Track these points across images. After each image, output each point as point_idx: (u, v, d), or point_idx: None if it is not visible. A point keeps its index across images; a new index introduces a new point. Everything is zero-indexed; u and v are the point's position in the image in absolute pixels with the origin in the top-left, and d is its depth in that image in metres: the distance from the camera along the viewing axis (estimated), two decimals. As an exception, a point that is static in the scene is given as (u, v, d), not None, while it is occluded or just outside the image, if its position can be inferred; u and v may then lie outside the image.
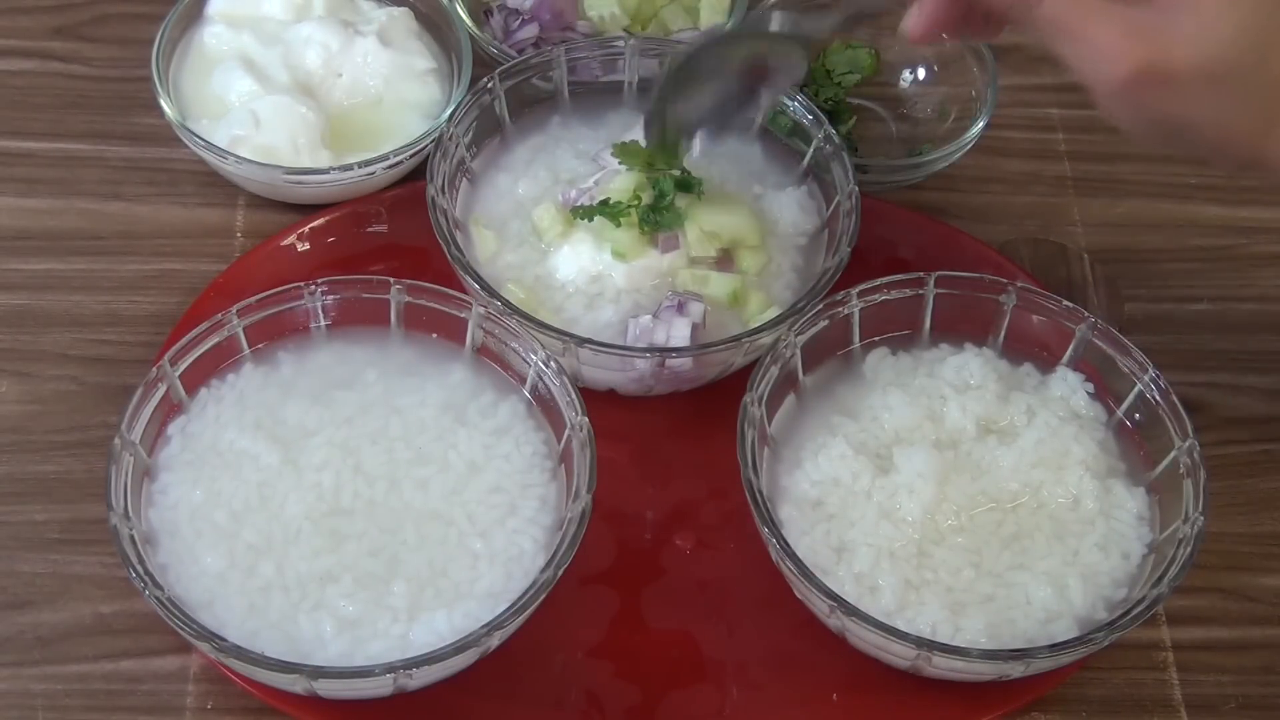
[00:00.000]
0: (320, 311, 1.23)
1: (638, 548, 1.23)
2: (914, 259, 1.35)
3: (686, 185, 1.28)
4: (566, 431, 1.17)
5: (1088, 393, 1.23)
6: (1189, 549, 1.12)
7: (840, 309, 1.24)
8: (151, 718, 1.15)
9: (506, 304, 1.22)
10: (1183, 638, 1.22)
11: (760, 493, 1.13)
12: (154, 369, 1.17)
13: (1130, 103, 1.03)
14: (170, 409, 1.18)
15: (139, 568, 1.08)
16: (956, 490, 1.16)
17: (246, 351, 1.22)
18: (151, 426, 1.16)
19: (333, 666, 1.07)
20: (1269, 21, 1.01)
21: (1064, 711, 1.18)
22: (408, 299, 1.23)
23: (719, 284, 1.27)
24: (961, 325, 1.26)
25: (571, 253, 1.28)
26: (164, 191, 1.41)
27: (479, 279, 1.24)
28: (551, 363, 1.19)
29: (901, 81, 1.50)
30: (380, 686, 1.07)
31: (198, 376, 1.19)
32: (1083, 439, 1.19)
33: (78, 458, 1.25)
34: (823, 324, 1.23)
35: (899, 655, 1.11)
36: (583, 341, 1.21)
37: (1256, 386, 1.36)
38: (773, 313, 1.26)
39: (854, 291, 1.24)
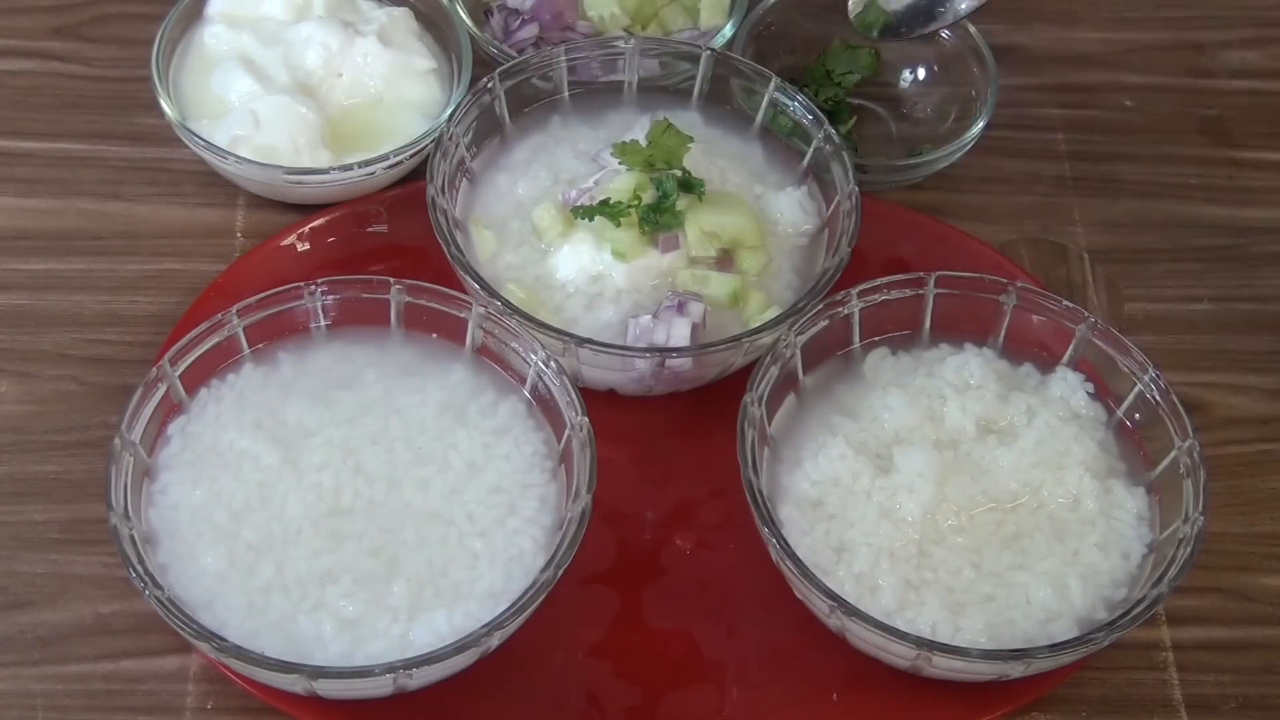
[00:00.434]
0: (320, 311, 1.23)
1: (638, 548, 1.23)
2: (914, 259, 1.35)
3: (688, 185, 1.28)
4: (566, 431, 1.17)
5: (1088, 393, 1.23)
6: (1189, 549, 1.12)
7: (840, 309, 1.24)
8: (151, 718, 1.15)
9: (506, 304, 1.22)
10: (1183, 638, 1.22)
11: (760, 493, 1.13)
12: (154, 369, 1.17)
13: None
14: (170, 409, 1.18)
15: (139, 568, 1.08)
16: (956, 490, 1.16)
17: (246, 351, 1.22)
18: (151, 426, 1.16)
19: (333, 666, 1.07)
20: None
21: (1064, 711, 1.18)
22: (408, 299, 1.23)
23: (719, 284, 1.27)
24: (961, 325, 1.26)
25: (571, 253, 1.28)
26: (164, 191, 1.41)
27: (479, 279, 1.24)
28: (551, 363, 1.19)
29: (901, 81, 1.50)
30: (380, 686, 1.07)
31: (198, 376, 1.19)
32: (1083, 439, 1.19)
33: (78, 458, 1.25)
34: (823, 324, 1.23)
35: (899, 655, 1.11)
36: (583, 341, 1.21)
37: (1256, 386, 1.36)
38: (773, 313, 1.26)
39: (854, 291, 1.24)
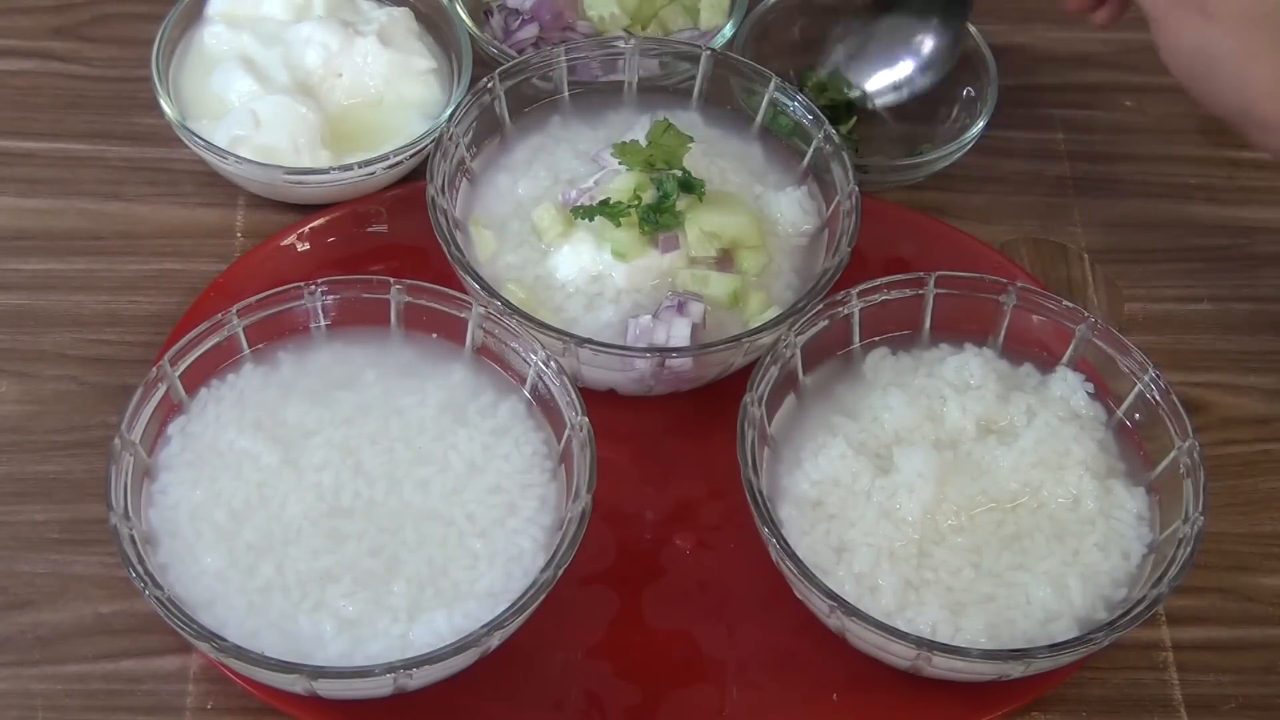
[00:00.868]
0: (320, 311, 1.23)
1: (638, 548, 1.23)
2: (914, 259, 1.35)
3: (688, 185, 1.28)
4: (566, 431, 1.17)
5: (1088, 393, 1.23)
6: (1189, 549, 1.12)
7: (840, 309, 1.24)
8: (151, 718, 1.15)
9: (506, 304, 1.22)
10: (1183, 638, 1.22)
11: (760, 493, 1.13)
12: (154, 369, 1.17)
13: (1173, 27, 1.23)
14: (170, 409, 1.18)
15: (139, 568, 1.08)
16: (956, 490, 1.16)
17: (246, 351, 1.22)
18: (151, 426, 1.16)
19: (333, 666, 1.07)
20: None
21: (1064, 711, 1.18)
22: (408, 299, 1.23)
23: (719, 284, 1.27)
24: (961, 325, 1.26)
25: (571, 253, 1.28)
26: (164, 191, 1.41)
27: (479, 279, 1.24)
28: (551, 363, 1.19)
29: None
30: (380, 686, 1.07)
31: (198, 376, 1.19)
32: (1083, 439, 1.19)
33: (78, 458, 1.25)
34: (823, 324, 1.23)
35: (899, 655, 1.11)
36: (583, 341, 1.21)
37: (1256, 386, 1.36)
38: (773, 313, 1.26)
39: (854, 291, 1.24)
